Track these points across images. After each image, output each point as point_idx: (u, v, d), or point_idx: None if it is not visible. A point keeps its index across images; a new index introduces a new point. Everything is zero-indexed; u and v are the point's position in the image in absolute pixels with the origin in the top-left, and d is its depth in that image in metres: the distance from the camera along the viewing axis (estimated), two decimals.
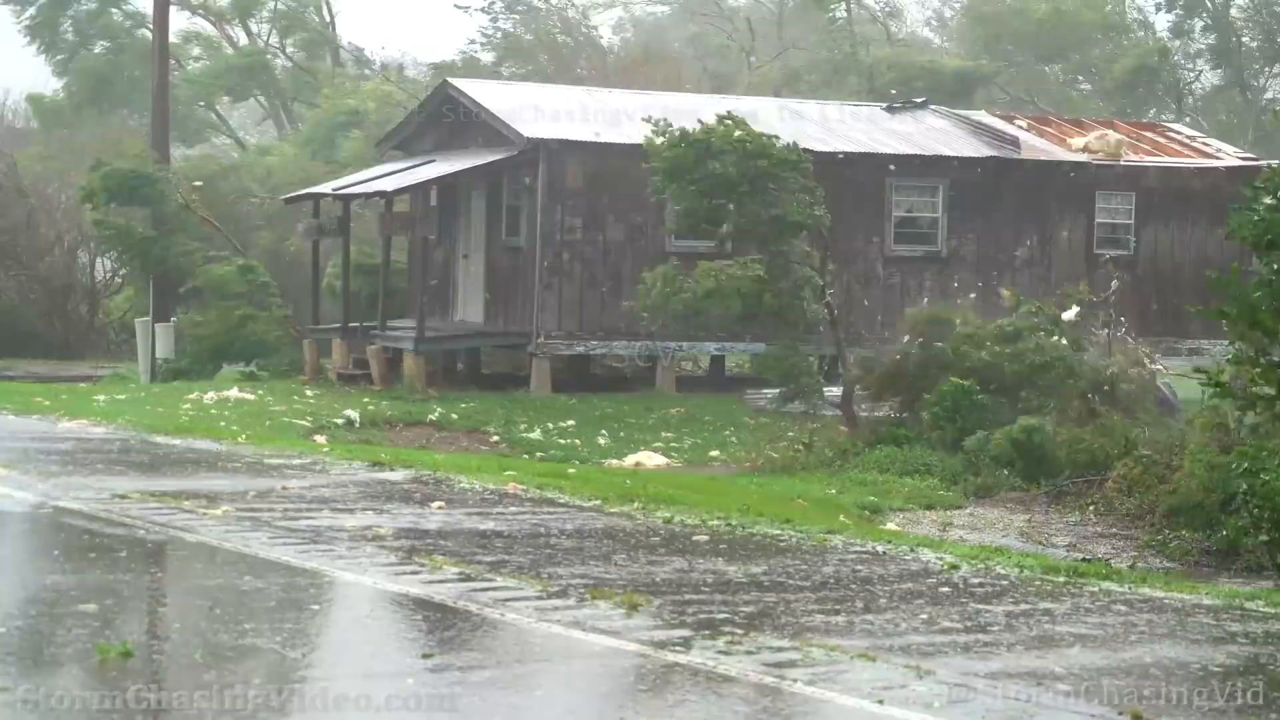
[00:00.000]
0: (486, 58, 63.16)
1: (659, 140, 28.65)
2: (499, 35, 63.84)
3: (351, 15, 76.83)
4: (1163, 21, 66.25)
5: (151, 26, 45.51)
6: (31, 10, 61.18)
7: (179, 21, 59.82)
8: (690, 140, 28.33)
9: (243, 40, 65.02)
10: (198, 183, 42.57)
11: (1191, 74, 65.14)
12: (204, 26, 65.31)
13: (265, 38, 64.63)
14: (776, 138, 29.11)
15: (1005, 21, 63.41)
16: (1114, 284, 31.92)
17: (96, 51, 61.68)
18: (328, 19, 64.87)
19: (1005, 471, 23.89)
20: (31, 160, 53.00)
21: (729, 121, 28.93)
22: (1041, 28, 61.99)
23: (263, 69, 62.26)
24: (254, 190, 46.53)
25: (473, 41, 64.18)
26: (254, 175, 48.69)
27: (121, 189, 39.23)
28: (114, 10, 61.85)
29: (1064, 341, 27.23)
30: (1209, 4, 64.81)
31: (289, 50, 64.35)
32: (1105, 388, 26.04)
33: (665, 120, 29.01)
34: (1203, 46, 65.72)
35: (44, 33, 61.39)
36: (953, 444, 25.15)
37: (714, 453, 27.92)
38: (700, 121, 29.04)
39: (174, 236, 39.90)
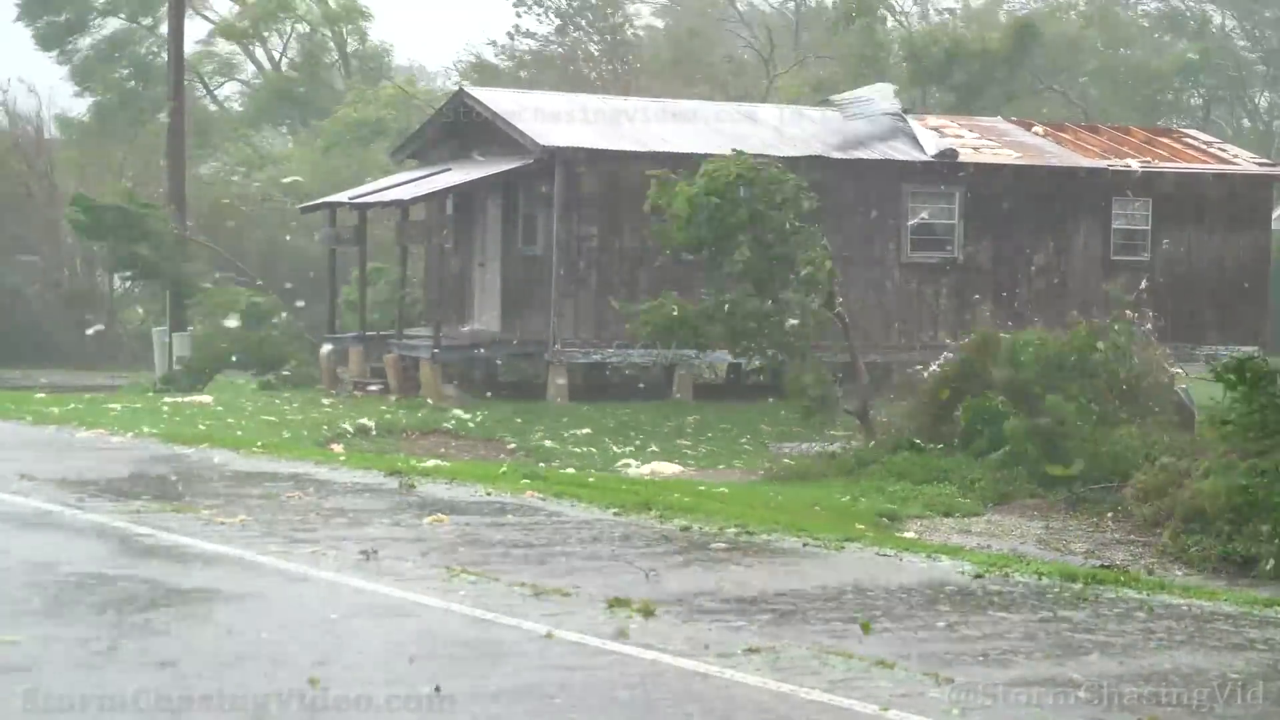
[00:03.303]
0: (507, 63, 63.19)
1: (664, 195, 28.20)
2: (529, 30, 63.80)
3: (382, 20, 76.91)
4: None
5: (168, 42, 45.58)
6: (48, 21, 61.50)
7: (196, 32, 60.12)
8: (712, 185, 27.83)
9: (259, 53, 65.15)
10: (190, 221, 42.44)
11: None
12: (220, 45, 65.46)
13: (282, 53, 64.69)
14: (785, 177, 28.22)
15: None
16: (1143, 283, 31.86)
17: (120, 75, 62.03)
18: (363, 29, 64.96)
19: (1018, 464, 23.83)
20: (56, 172, 53.30)
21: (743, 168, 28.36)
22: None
23: (288, 91, 62.38)
24: (276, 198, 46.65)
25: (498, 42, 64.24)
26: (278, 185, 48.79)
27: (104, 226, 39.23)
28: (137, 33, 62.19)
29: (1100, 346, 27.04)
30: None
31: (321, 64, 64.41)
32: (1124, 387, 25.90)
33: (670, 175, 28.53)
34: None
35: (60, 44, 61.68)
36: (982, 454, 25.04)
37: (732, 461, 27.90)
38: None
39: (184, 263, 40.03)
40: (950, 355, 28.08)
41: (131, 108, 61.38)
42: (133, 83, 62.55)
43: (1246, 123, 65.20)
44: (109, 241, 39.58)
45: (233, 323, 38.73)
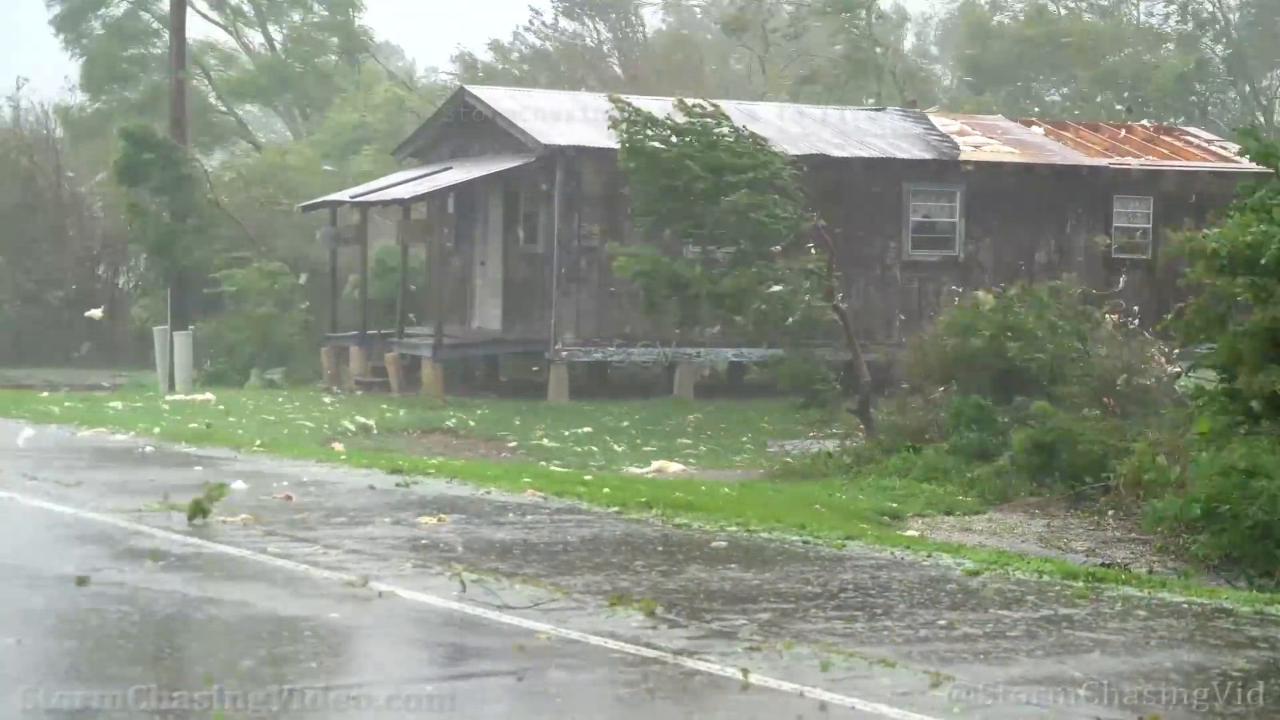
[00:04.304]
0: (511, 59, 63.23)
1: (621, 124, 28.37)
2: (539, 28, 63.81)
3: (380, 12, 76.88)
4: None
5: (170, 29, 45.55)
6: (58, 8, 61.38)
7: (195, 30, 59.87)
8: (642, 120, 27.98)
9: (257, 44, 65.03)
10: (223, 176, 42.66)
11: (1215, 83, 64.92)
12: (217, 36, 65.37)
13: (285, 42, 64.57)
14: (731, 130, 28.00)
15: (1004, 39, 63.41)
16: (1123, 279, 31.85)
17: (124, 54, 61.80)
18: (355, 19, 64.76)
19: (1016, 466, 23.87)
20: (63, 171, 53.36)
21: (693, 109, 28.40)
22: (1032, 45, 61.92)
23: (285, 76, 62.22)
24: (279, 197, 46.59)
25: (501, 42, 64.26)
26: (281, 183, 48.66)
27: (144, 144, 39.21)
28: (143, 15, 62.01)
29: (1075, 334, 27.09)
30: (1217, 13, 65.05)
31: (321, 54, 64.23)
32: (1117, 385, 25.90)
33: (628, 104, 28.73)
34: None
35: (68, 27, 61.55)
36: (974, 454, 25.03)
37: (733, 459, 27.90)
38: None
39: (200, 234, 40.05)
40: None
41: (132, 93, 61.29)
42: (133, 69, 62.37)
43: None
44: (149, 181, 39.35)
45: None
